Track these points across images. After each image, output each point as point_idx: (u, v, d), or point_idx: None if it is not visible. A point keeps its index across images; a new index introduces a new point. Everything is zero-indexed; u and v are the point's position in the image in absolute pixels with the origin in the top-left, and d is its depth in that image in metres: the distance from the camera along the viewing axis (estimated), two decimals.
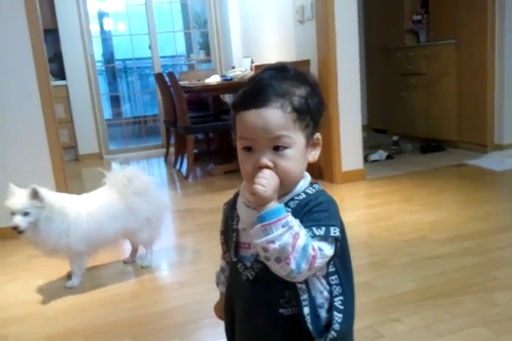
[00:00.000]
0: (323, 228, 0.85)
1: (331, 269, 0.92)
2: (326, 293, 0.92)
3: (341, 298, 0.93)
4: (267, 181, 0.83)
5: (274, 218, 0.82)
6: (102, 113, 5.86)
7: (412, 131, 5.13)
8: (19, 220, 2.03)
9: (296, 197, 0.90)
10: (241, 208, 0.95)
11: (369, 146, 4.55)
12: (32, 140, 3.05)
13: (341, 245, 0.90)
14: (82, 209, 2.21)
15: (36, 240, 2.12)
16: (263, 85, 0.88)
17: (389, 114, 5.54)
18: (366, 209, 3.22)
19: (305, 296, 0.89)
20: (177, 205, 3.66)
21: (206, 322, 1.86)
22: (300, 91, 0.88)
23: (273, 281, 0.88)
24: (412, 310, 1.85)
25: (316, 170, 3.75)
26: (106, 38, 7.76)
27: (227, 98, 5.54)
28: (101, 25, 7.71)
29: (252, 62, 5.05)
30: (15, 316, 2.07)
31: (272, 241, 0.81)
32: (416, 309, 1.85)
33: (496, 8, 4.18)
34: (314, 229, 0.85)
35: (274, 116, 0.85)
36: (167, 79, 4.54)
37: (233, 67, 5.41)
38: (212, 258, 2.37)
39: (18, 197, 2.05)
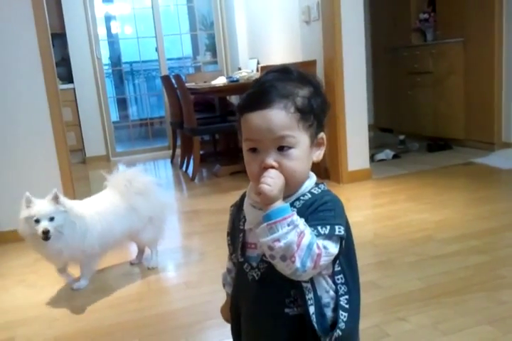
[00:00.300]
0: (328, 227, 0.86)
1: (337, 268, 0.93)
2: (331, 292, 0.93)
3: (347, 296, 0.93)
4: (272, 180, 0.85)
5: (280, 217, 0.83)
6: (109, 115, 5.89)
7: (418, 130, 5.11)
8: (47, 225, 2.00)
9: (301, 197, 0.91)
10: (247, 209, 0.96)
11: (375, 146, 4.55)
12: (39, 143, 3.07)
13: (347, 244, 0.91)
14: (93, 211, 2.23)
15: (60, 247, 2.08)
16: (267, 87, 0.89)
17: (395, 113, 5.52)
18: (372, 209, 3.21)
19: (310, 295, 0.90)
20: (183, 206, 3.67)
21: (212, 323, 1.86)
22: (303, 92, 0.89)
23: (278, 281, 0.89)
24: (418, 309, 1.84)
25: (323, 170, 3.75)
26: (113, 41, 7.81)
27: (234, 99, 5.55)
28: (108, 29, 7.76)
29: (258, 63, 5.07)
30: (22, 318, 2.09)
31: (278, 240, 0.82)
32: (422, 308, 1.85)
33: (504, 6, 4.16)
34: (319, 227, 0.85)
35: (278, 116, 0.86)
36: (173, 81, 4.56)
37: (239, 69, 5.42)
38: (219, 259, 2.37)
39: (40, 204, 2.04)
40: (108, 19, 7.68)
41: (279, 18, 4.72)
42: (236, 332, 1.06)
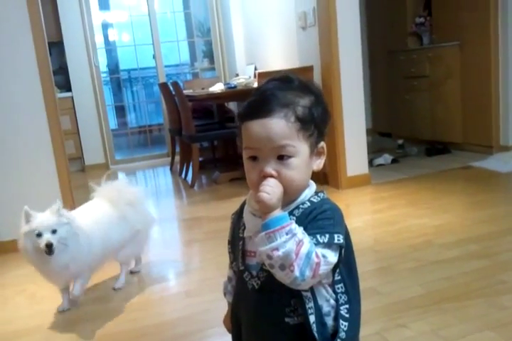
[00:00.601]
0: (327, 235, 0.86)
1: (337, 277, 0.93)
2: (332, 301, 0.93)
3: (347, 306, 0.93)
4: (271, 189, 0.85)
5: (278, 226, 0.83)
6: (107, 123, 5.90)
7: (417, 134, 5.12)
8: (50, 237, 1.91)
9: (301, 206, 0.91)
10: (247, 216, 0.96)
11: (374, 150, 4.55)
12: (38, 151, 3.07)
13: (346, 253, 0.91)
14: (89, 221, 2.17)
15: (66, 261, 1.98)
16: (267, 96, 0.89)
17: (393, 117, 5.53)
18: (372, 214, 3.21)
19: (311, 304, 0.90)
20: (183, 214, 3.67)
21: (213, 332, 1.86)
22: (304, 101, 0.90)
23: (278, 290, 0.89)
24: (418, 316, 1.83)
25: (321, 176, 3.75)
26: (110, 48, 7.84)
27: (232, 106, 5.56)
28: (105, 36, 7.79)
29: (256, 69, 5.07)
30: (22, 328, 2.08)
31: (276, 249, 0.82)
32: (423, 314, 1.84)
33: (499, 10, 4.18)
34: (318, 236, 0.85)
35: (278, 125, 0.87)
36: (171, 88, 4.57)
37: (237, 75, 5.43)
38: (219, 266, 2.37)
39: (41, 217, 1.95)
40: (105, 27, 7.71)
41: (275, 24, 4.73)
42: None
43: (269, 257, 0.83)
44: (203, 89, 4.87)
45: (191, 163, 4.48)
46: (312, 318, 0.89)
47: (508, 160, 4.02)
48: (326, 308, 0.92)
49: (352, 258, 0.97)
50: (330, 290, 0.93)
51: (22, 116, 3.02)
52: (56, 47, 5.40)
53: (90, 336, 1.96)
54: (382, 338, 1.71)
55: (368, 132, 4.12)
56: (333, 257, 0.86)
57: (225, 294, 1.11)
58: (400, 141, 4.88)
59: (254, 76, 4.72)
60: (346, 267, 0.94)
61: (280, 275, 0.84)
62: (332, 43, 3.58)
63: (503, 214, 2.89)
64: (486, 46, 4.25)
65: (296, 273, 0.82)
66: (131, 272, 2.53)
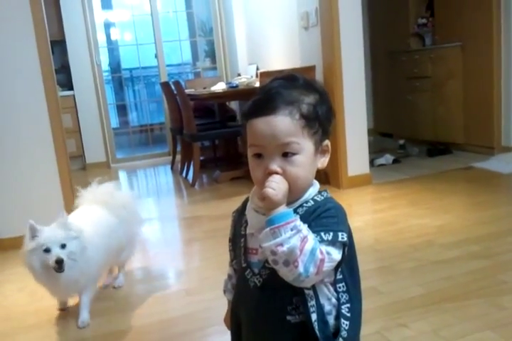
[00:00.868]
0: (331, 233, 0.86)
1: (339, 276, 0.93)
2: (333, 300, 0.93)
3: (348, 305, 0.93)
4: (277, 185, 0.85)
5: (283, 221, 0.83)
6: (109, 122, 5.91)
7: (418, 135, 5.12)
8: (59, 253, 1.78)
9: (304, 204, 0.92)
10: (250, 213, 0.97)
11: (375, 150, 4.55)
12: (39, 149, 3.08)
13: (349, 253, 0.91)
14: (90, 230, 2.01)
15: (76, 277, 1.88)
16: (272, 94, 0.90)
17: (395, 117, 5.53)
18: (373, 214, 3.21)
19: (313, 302, 0.90)
20: (184, 213, 3.68)
21: (214, 330, 1.86)
22: (309, 99, 0.90)
23: (280, 288, 0.89)
24: (419, 315, 1.83)
25: (323, 176, 3.75)
26: (112, 47, 7.84)
27: (233, 105, 5.56)
28: (107, 35, 7.79)
29: (258, 68, 5.08)
30: (22, 326, 2.08)
31: (281, 244, 0.82)
32: (423, 314, 1.84)
33: (502, 10, 4.18)
34: (322, 234, 0.86)
35: (283, 123, 0.87)
36: (173, 87, 4.57)
37: (239, 74, 5.44)
38: (219, 265, 2.35)
39: (49, 231, 1.82)
40: (107, 26, 7.71)
41: (277, 24, 4.74)
42: (237, 340, 1.05)
43: (274, 253, 0.83)
44: (204, 88, 4.87)
45: (192, 162, 4.48)
46: (314, 316, 0.89)
47: (510, 161, 4.01)
48: (327, 307, 0.92)
49: (354, 258, 0.97)
50: (331, 288, 0.93)
51: (24, 115, 3.02)
52: (58, 45, 5.42)
53: (90, 334, 1.96)
54: (383, 337, 1.71)
55: (370, 132, 4.12)
56: (337, 254, 0.86)
57: (224, 292, 1.11)
58: (402, 141, 4.88)
59: (256, 76, 4.72)
60: (348, 266, 0.94)
61: (284, 272, 0.84)
62: (334, 43, 3.58)
63: (504, 215, 2.89)
64: (489, 47, 4.25)
65: (301, 269, 0.82)
66: (114, 287, 2.35)
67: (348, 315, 0.93)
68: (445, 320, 1.79)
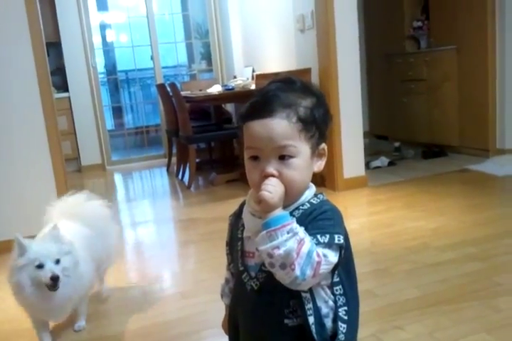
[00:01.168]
0: (328, 235, 0.86)
1: (336, 279, 0.93)
2: (330, 303, 0.92)
3: (345, 308, 0.93)
4: (273, 188, 0.85)
5: (279, 224, 0.83)
6: (104, 124, 5.89)
7: (413, 137, 5.13)
8: (54, 268, 1.61)
9: (301, 207, 0.92)
10: (247, 216, 0.96)
11: (371, 153, 4.56)
12: (35, 151, 3.07)
13: (346, 255, 0.91)
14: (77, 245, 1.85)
15: (69, 294, 1.72)
16: (269, 96, 0.90)
17: (390, 120, 5.54)
18: (368, 217, 3.21)
19: (310, 305, 0.89)
20: (179, 215, 3.67)
21: (209, 333, 1.86)
22: (306, 102, 0.90)
23: (278, 291, 0.88)
24: (414, 318, 1.84)
25: (318, 178, 3.75)
26: (108, 49, 7.83)
27: (229, 107, 5.56)
28: (103, 37, 7.77)
29: (254, 71, 5.08)
30: (18, 329, 2.07)
31: (277, 247, 0.82)
32: (419, 316, 1.85)
33: (497, 13, 4.20)
34: (319, 236, 0.86)
35: (280, 126, 0.87)
36: (169, 89, 4.57)
37: (235, 77, 5.44)
38: (215, 268, 2.37)
39: (40, 244, 1.66)
40: (103, 28, 7.70)
41: (273, 26, 4.74)
42: None
43: (270, 256, 0.83)
44: (200, 90, 4.86)
45: (188, 164, 4.47)
46: (311, 319, 0.89)
47: (505, 163, 4.03)
48: (324, 309, 0.92)
49: (351, 261, 0.97)
50: (328, 291, 0.92)
51: (19, 117, 3.01)
52: (54, 47, 5.40)
53: (86, 337, 1.95)
54: (378, 340, 1.71)
55: (365, 135, 4.13)
56: (333, 257, 0.86)
57: (221, 296, 1.10)
58: (397, 144, 4.89)
59: (252, 78, 4.72)
60: (345, 269, 0.94)
61: (280, 275, 0.84)
62: (330, 46, 3.59)
63: (499, 217, 2.90)
64: (483, 50, 4.27)
65: (297, 272, 0.81)
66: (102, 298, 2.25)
67: (346, 317, 0.92)
68: (441, 322, 1.79)
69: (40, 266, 1.61)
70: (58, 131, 3.17)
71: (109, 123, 7.04)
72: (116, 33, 7.92)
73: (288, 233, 0.82)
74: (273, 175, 0.87)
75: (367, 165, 4.06)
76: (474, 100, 4.44)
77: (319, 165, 0.95)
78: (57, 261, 1.64)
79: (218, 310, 1.13)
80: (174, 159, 5.10)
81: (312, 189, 0.95)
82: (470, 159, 4.34)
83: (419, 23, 5.05)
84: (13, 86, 2.99)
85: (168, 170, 5.29)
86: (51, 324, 1.97)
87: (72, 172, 5.36)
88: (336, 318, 0.92)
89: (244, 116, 0.92)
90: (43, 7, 3.23)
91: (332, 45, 3.58)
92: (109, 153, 5.94)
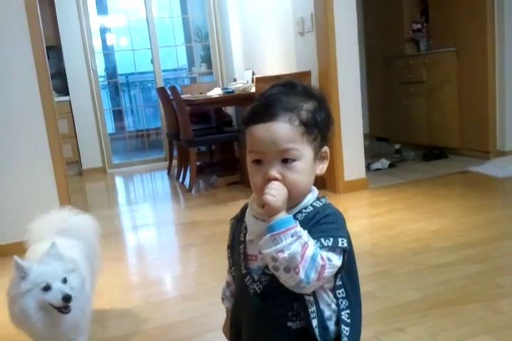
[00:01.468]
0: (331, 239, 0.86)
1: (338, 283, 0.93)
2: (333, 306, 0.93)
3: (348, 311, 0.94)
4: (276, 191, 0.86)
5: (283, 228, 0.83)
6: (105, 127, 5.90)
7: (414, 139, 5.13)
8: (64, 288, 1.45)
9: (303, 210, 0.92)
10: (250, 220, 0.97)
11: (371, 155, 4.56)
12: (36, 155, 3.07)
13: (349, 258, 0.91)
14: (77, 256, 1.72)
15: (78, 316, 1.55)
16: (271, 100, 0.90)
17: (391, 122, 5.55)
18: (369, 219, 3.21)
19: (313, 308, 0.90)
20: (180, 218, 3.67)
21: (211, 336, 1.85)
22: (308, 106, 0.91)
23: (281, 294, 0.89)
24: (416, 320, 1.84)
25: (319, 180, 3.75)
26: (108, 53, 7.84)
27: (230, 110, 5.57)
28: (103, 41, 7.80)
29: (254, 74, 5.09)
30: (18, 332, 2.06)
31: (282, 251, 0.82)
32: (420, 318, 1.84)
33: (496, 16, 4.21)
34: (322, 239, 0.86)
35: (282, 129, 0.88)
36: (169, 92, 4.58)
37: (235, 80, 5.45)
38: (216, 271, 2.37)
39: (43, 265, 1.49)
40: (103, 31, 7.72)
41: (273, 29, 4.75)
42: None
43: (275, 259, 0.83)
44: (200, 93, 4.87)
45: (189, 167, 4.48)
46: (315, 322, 0.89)
47: (505, 165, 4.03)
48: (327, 312, 0.92)
49: (353, 264, 0.97)
50: (331, 294, 0.93)
51: (20, 120, 3.02)
52: (54, 51, 5.42)
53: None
54: None
55: (365, 137, 4.13)
56: (337, 260, 0.86)
57: (222, 300, 1.10)
58: (397, 146, 4.89)
59: (252, 81, 4.73)
60: (348, 272, 0.95)
61: (285, 278, 0.84)
62: (329, 49, 3.60)
63: (500, 219, 2.90)
64: (483, 52, 4.28)
65: (302, 275, 0.82)
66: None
67: (348, 321, 0.93)
68: (442, 324, 1.79)
69: (47, 288, 1.44)
70: (59, 135, 3.17)
71: (110, 126, 7.05)
72: (116, 36, 7.95)
73: (292, 236, 0.83)
74: (276, 179, 0.88)
75: (367, 167, 4.07)
76: (474, 102, 4.44)
77: (321, 168, 0.96)
78: (65, 280, 1.48)
79: (220, 312, 1.14)
80: (175, 162, 5.11)
81: (315, 192, 0.96)
82: (470, 161, 4.35)
83: (419, 26, 5.06)
84: (14, 90, 2.99)
85: (168, 173, 5.29)
86: None
87: (73, 175, 5.36)
88: (338, 321, 0.92)
89: (246, 120, 0.92)
90: (43, 11, 3.24)
91: (332, 47, 3.59)
92: (109, 156, 5.94)
